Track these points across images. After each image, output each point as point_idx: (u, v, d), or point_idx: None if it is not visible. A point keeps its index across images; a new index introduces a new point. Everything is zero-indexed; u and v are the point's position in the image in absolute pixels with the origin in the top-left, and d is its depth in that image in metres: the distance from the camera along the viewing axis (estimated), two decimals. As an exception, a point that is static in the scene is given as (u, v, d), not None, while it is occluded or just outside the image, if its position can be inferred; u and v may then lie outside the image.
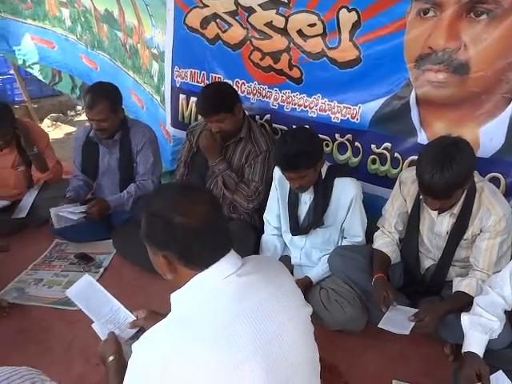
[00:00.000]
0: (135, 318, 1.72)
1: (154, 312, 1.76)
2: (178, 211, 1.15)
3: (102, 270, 2.69)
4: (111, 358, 1.55)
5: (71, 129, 5.11)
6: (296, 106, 2.66)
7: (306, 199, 2.33)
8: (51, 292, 2.51)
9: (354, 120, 2.47)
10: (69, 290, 1.77)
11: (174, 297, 1.25)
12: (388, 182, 2.42)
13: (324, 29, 2.39)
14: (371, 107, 2.40)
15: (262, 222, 2.58)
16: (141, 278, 2.64)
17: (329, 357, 1.93)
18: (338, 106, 2.51)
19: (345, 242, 2.34)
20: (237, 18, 2.68)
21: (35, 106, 5.05)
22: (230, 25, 2.74)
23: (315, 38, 2.47)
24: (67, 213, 2.63)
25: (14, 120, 2.86)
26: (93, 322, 1.73)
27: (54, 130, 4.89)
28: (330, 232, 2.35)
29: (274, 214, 2.49)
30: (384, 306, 1.98)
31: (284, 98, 2.69)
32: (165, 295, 2.44)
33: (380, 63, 2.31)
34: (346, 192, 2.24)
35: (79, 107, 5.49)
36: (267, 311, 1.17)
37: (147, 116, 3.65)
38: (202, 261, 1.17)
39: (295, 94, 2.65)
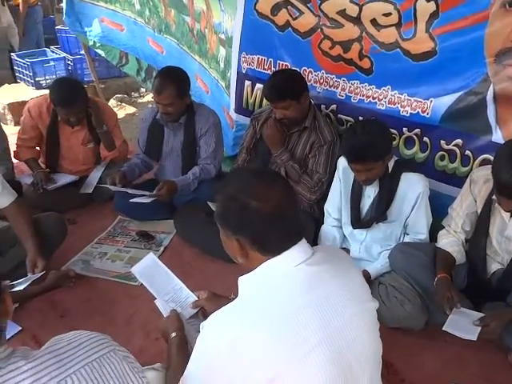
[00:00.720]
0: (197, 298, 1.77)
1: (216, 294, 1.81)
2: (254, 196, 1.16)
3: (162, 248, 2.77)
4: (174, 334, 1.60)
5: (134, 110, 5.26)
6: (364, 98, 2.61)
7: (370, 192, 2.30)
8: (114, 266, 2.61)
9: (425, 114, 2.40)
10: (134, 267, 1.84)
11: (243, 280, 1.25)
12: (456, 180, 2.35)
13: (399, 19, 2.32)
14: (444, 102, 2.32)
15: (322, 213, 2.57)
16: (199, 259, 2.70)
17: (385, 354, 1.89)
18: (408, 99, 2.44)
19: (407, 239, 2.30)
20: (309, 5, 2.66)
21: (102, 86, 5.22)
22: (301, 12, 2.72)
23: (389, 28, 2.40)
24: (139, 198, 2.71)
25: (86, 98, 2.98)
26: (155, 298, 1.79)
27: (119, 111, 5.02)
28: (393, 227, 2.30)
29: (336, 205, 2.46)
30: (448, 307, 1.93)
31: (352, 88, 2.65)
32: (223, 277, 2.52)
33: (457, 56, 2.22)
34: (413, 188, 2.19)
35: (143, 89, 5.62)
36: (335, 303, 1.17)
37: (211, 101, 3.69)
38: (274, 247, 1.18)
39: (364, 85, 2.60)
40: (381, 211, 2.26)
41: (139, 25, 4.45)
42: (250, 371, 1.08)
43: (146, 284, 1.79)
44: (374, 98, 2.57)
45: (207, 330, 1.18)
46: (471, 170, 2.28)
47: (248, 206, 1.15)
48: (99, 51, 4.83)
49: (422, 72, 2.35)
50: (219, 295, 1.81)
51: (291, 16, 2.77)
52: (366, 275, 2.25)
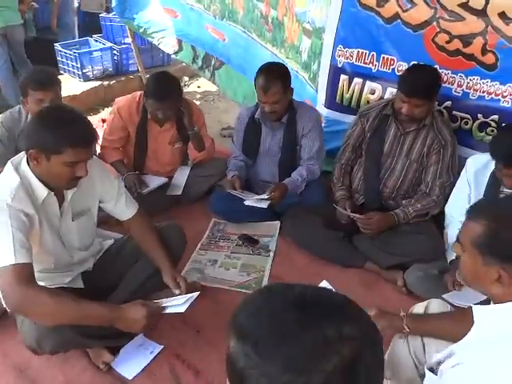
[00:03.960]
0: None
1: (383, 311, 1.74)
2: None
3: (271, 253, 2.68)
4: None
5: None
6: (485, 94, 2.50)
7: (508, 196, 2.22)
8: (230, 274, 2.52)
9: (560, 112, 2.31)
10: None
11: (495, 311, 1.21)
12: None
13: (536, 11, 2.21)
14: None
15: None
16: (313, 264, 2.63)
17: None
18: (539, 97, 2.35)
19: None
20: (424, -4, 2.52)
21: (147, 76, 5.02)
22: (413, 4, 2.58)
23: (521, 22, 2.29)
24: (254, 201, 2.61)
25: (181, 96, 2.84)
26: None
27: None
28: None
29: (462, 207, 2.33)
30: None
31: (470, 84, 2.53)
32: (347, 284, 2.41)
33: None
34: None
35: (186, 78, 5.46)
36: None
37: (286, 93, 3.56)
38: None
39: (485, 81, 2.48)
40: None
41: (196, 11, 4.27)
42: None
43: None
44: (496, 95, 2.47)
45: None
46: None
47: None
48: (150, 39, 4.65)
49: (558, 68, 2.26)
50: (388, 312, 1.75)
51: (401, 8, 2.63)
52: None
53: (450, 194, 2.48)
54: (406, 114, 2.40)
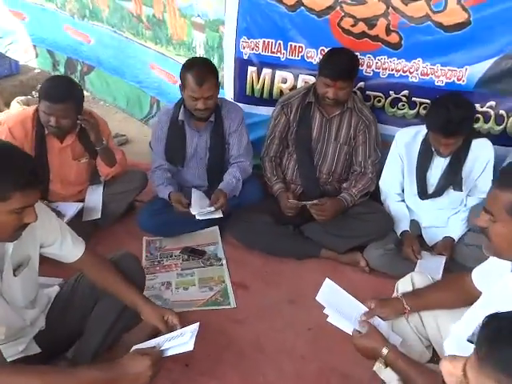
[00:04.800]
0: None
1: (383, 299, 1.77)
2: None
3: (224, 261, 2.54)
4: (385, 350, 1.53)
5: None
6: (394, 72, 2.67)
7: (439, 163, 2.41)
8: (191, 293, 2.32)
9: (460, 82, 2.57)
10: (317, 296, 1.69)
11: None
12: (491, 138, 2.56)
13: (428, -8, 2.41)
14: (479, 68, 2.50)
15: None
16: (268, 262, 2.57)
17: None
18: (441, 69, 2.58)
19: (472, 200, 2.47)
20: (325, -18, 2.58)
21: (-5, 89, 4.33)
22: (314, -10, 2.63)
23: (418, 2, 2.47)
24: (205, 214, 2.42)
25: (79, 104, 2.46)
26: (327, 316, 1.67)
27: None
28: (459, 192, 2.46)
29: (396, 180, 2.54)
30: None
31: (379, 64, 2.68)
32: (309, 275, 2.40)
33: (491, 25, 2.40)
34: (484, 153, 2.35)
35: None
36: None
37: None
38: None
39: (392, 60, 2.65)
40: (453, 179, 2.39)
41: (48, 11, 3.77)
42: None
43: (333, 313, 1.65)
44: (404, 72, 2.65)
45: None
46: (505, 127, 2.57)
47: None
48: (-6, 47, 3.97)
49: (455, 42, 2.48)
50: (385, 299, 1.78)
51: (303, -5, 2.66)
52: (451, 241, 2.42)
53: (380, 170, 2.62)
54: (333, 97, 2.44)
